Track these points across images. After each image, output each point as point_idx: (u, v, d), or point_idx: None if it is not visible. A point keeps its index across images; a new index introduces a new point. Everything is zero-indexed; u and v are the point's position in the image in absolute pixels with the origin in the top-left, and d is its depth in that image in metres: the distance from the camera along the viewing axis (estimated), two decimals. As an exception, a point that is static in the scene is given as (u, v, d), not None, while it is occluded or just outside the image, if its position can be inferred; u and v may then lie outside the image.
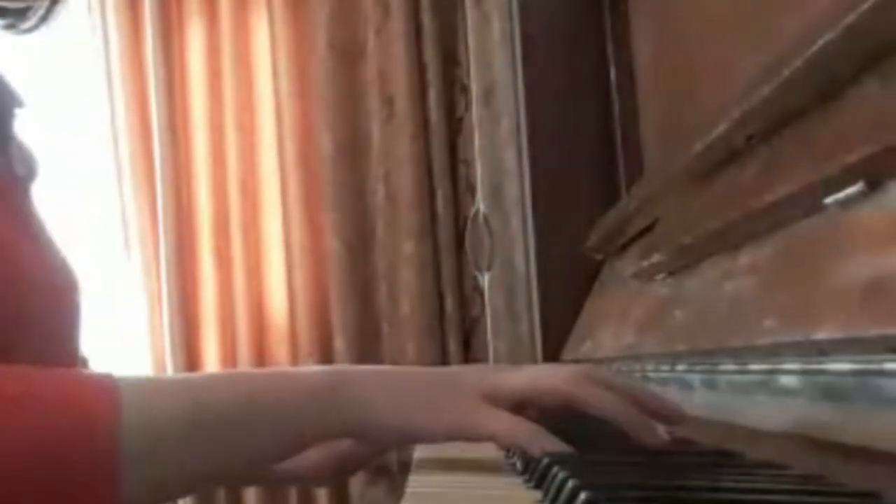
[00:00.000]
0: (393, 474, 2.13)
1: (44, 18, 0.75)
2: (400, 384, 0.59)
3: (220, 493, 2.28)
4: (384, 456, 0.68)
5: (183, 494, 0.57)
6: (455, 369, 0.63)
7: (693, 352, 0.69)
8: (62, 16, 2.29)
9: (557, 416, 0.60)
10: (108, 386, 0.49)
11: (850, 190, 0.47)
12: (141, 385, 0.52)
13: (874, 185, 0.46)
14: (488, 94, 1.71)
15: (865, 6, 0.46)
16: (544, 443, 0.55)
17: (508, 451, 0.69)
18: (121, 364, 2.15)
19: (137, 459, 0.48)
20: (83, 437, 0.46)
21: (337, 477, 0.78)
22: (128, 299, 2.32)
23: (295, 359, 2.24)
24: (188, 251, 2.32)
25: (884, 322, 0.40)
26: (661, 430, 0.59)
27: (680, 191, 0.86)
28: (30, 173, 0.73)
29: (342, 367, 0.60)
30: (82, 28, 2.36)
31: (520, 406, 0.59)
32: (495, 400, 0.58)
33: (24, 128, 0.73)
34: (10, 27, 0.75)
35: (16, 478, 0.44)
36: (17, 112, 0.72)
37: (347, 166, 2.24)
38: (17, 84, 0.72)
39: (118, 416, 0.47)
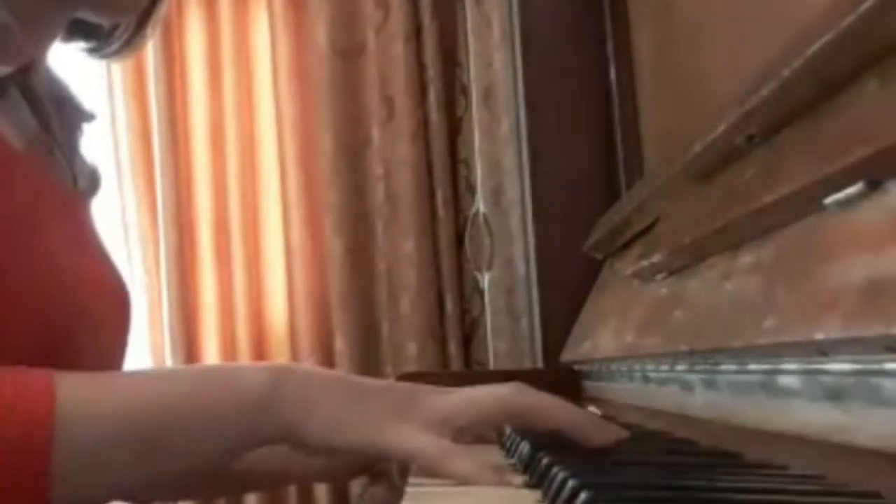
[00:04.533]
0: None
1: (128, 43, 0.74)
2: (342, 396, 0.57)
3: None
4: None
5: (122, 499, 0.57)
6: (401, 390, 0.62)
7: (693, 352, 0.69)
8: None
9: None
10: (47, 385, 0.50)
11: (850, 190, 0.47)
12: (77, 385, 0.52)
13: (874, 185, 0.46)
14: (488, 94, 1.71)
15: (865, 6, 0.46)
16: (507, 482, 0.53)
17: (508, 450, 0.69)
18: (121, 364, 2.15)
19: (69, 462, 0.49)
20: (18, 437, 0.47)
21: (344, 478, 0.77)
22: (128, 299, 2.32)
23: (295, 359, 2.24)
24: (188, 251, 2.32)
25: (884, 322, 0.40)
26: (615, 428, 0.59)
27: (680, 191, 0.86)
28: (92, 188, 0.75)
29: (284, 367, 0.59)
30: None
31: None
32: (444, 428, 0.56)
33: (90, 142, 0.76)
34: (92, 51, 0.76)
35: None
36: (85, 126, 0.75)
37: (347, 166, 2.24)
38: (85, 98, 0.75)
39: (53, 419, 0.48)
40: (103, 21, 0.74)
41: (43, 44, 0.70)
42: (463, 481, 0.52)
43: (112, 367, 0.69)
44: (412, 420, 0.56)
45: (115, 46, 0.77)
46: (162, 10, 0.77)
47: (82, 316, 0.63)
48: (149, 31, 0.77)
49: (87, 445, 0.50)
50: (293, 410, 0.55)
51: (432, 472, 0.54)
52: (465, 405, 0.58)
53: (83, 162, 0.75)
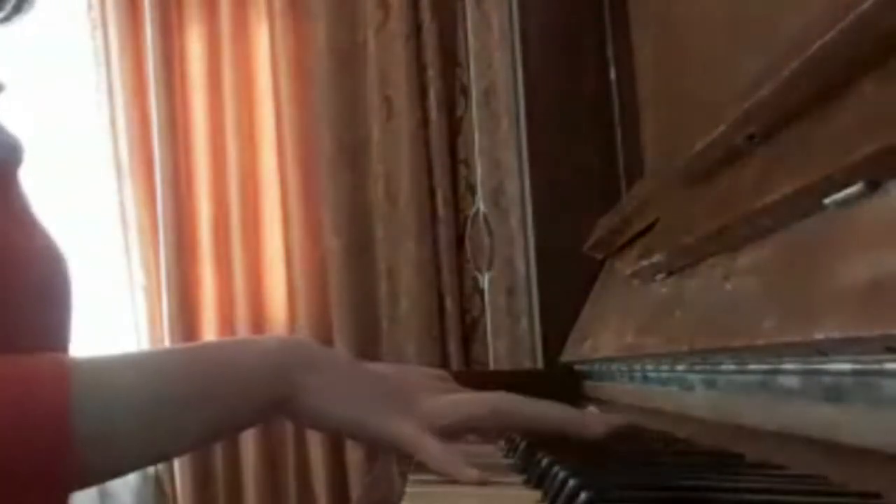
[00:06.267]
0: (393, 474, 2.13)
1: (17, 8, 0.71)
2: (342, 371, 0.60)
3: (220, 492, 2.28)
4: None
5: (143, 464, 0.58)
6: (395, 381, 0.65)
7: (693, 352, 0.69)
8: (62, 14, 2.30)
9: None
10: (60, 364, 0.51)
11: (850, 190, 0.47)
12: (93, 361, 0.53)
13: (874, 185, 0.46)
14: (488, 94, 1.71)
15: (865, 6, 0.46)
16: (464, 472, 0.56)
17: (508, 451, 0.69)
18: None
19: (89, 431, 0.49)
20: (34, 412, 0.47)
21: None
22: (128, 299, 2.32)
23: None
24: (188, 251, 2.32)
25: (884, 322, 0.40)
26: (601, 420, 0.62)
27: (680, 191, 0.86)
28: (12, 155, 0.73)
29: (287, 336, 0.63)
30: (82, 28, 2.36)
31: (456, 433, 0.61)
32: (428, 423, 0.59)
33: (10, 113, 0.73)
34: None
35: None
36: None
37: (347, 166, 2.24)
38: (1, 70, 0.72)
39: (68, 392, 0.48)
40: None
41: None
42: (437, 468, 0.56)
43: (55, 342, 0.68)
44: (400, 410, 0.60)
45: (6, 11, 0.75)
46: None
47: (14, 289, 0.61)
48: None
49: (105, 415, 0.50)
50: (299, 372, 0.58)
51: (412, 455, 0.59)
52: (449, 406, 0.61)
53: (2, 132, 0.72)
